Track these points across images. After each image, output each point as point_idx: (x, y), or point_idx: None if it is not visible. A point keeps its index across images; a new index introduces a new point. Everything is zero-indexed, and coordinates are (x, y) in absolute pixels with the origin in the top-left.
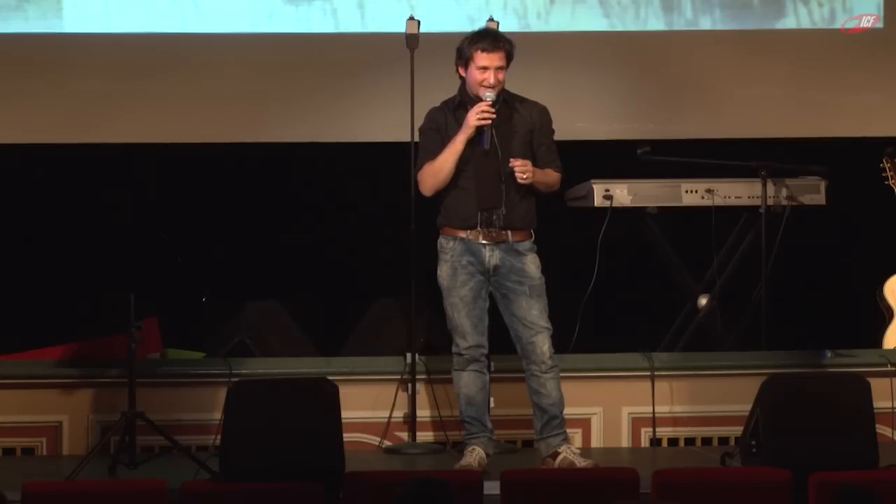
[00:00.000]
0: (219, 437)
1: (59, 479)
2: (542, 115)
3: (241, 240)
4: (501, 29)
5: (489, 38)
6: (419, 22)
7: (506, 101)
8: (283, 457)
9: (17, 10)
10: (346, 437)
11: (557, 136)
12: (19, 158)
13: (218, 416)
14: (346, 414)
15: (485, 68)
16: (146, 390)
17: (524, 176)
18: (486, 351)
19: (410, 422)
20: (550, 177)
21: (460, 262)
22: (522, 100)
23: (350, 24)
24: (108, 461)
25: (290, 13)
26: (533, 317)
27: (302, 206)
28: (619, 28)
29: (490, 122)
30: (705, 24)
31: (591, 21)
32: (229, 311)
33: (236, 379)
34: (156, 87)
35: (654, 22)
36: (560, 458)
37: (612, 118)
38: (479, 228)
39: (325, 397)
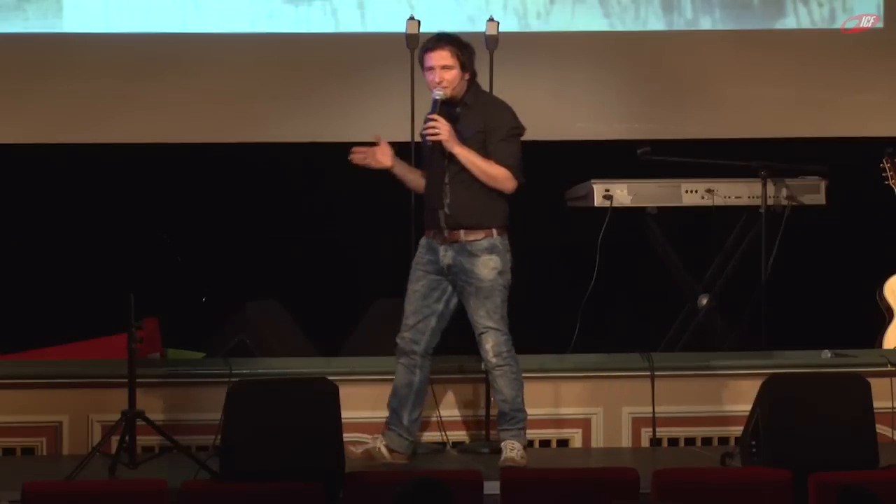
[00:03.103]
0: (219, 437)
1: (59, 479)
2: (498, 114)
3: (241, 240)
4: (501, 29)
5: (433, 37)
6: (419, 22)
7: (465, 102)
8: (282, 457)
9: (17, 10)
10: (346, 437)
11: (558, 136)
12: (19, 158)
13: (218, 416)
14: (346, 414)
15: (431, 68)
16: (146, 390)
17: (434, 133)
18: (419, 350)
19: None
20: (492, 166)
21: (421, 260)
22: (486, 101)
23: (350, 24)
24: (108, 461)
25: (290, 13)
26: (479, 317)
27: (302, 206)
28: (619, 28)
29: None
30: (705, 24)
31: (591, 21)
32: (229, 311)
33: (236, 379)
34: (156, 87)
35: (654, 22)
36: (503, 455)
37: (612, 118)
38: (432, 228)
39: (325, 397)
